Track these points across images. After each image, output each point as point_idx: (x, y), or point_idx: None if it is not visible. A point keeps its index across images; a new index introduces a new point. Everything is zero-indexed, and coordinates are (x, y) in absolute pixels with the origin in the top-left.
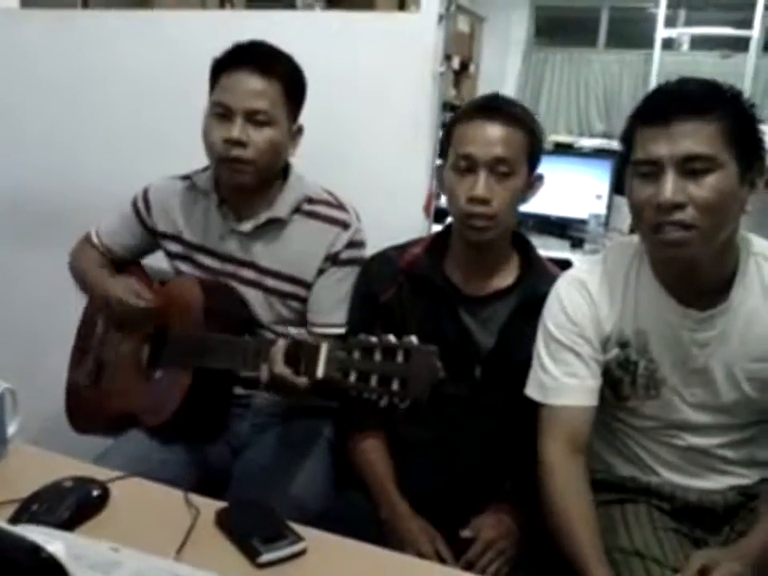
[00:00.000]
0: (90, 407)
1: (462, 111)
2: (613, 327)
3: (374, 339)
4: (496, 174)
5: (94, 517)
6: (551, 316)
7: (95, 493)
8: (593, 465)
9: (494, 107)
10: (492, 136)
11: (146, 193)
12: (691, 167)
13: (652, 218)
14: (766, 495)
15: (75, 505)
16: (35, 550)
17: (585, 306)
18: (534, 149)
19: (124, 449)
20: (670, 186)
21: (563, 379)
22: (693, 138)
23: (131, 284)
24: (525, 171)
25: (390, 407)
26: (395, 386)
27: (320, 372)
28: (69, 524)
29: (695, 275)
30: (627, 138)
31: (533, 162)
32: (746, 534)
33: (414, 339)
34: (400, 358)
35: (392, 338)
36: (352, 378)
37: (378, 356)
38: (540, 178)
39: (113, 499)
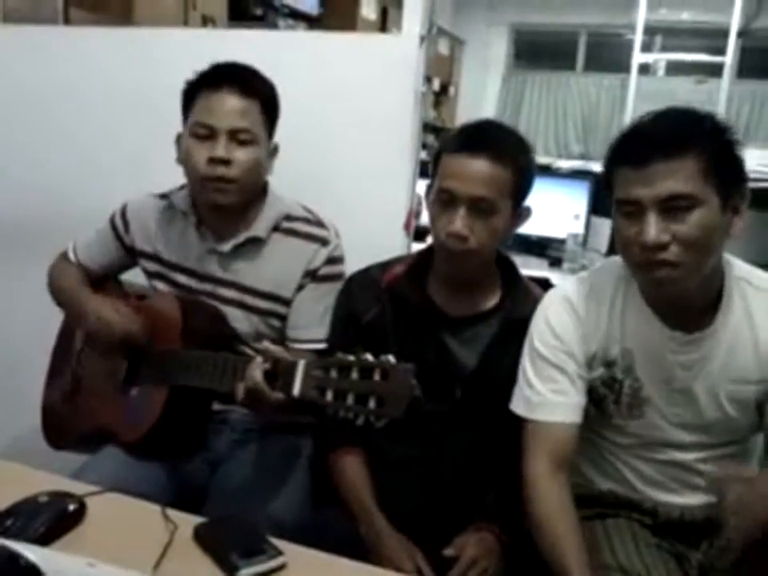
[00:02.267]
0: (66, 423)
1: (451, 138)
2: (599, 346)
3: (351, 358)
4: (476, 210)
5: (70, 532)
6: (538, 333)
7: (71, 507)
8: (573, 479)
9: (481, 142)
10: (474, 174)
11: (124, 210)
12: (672, 205)
13: (638, 257)
14: None
15: (51, 520)
16: (13, 557)
17: (571, 324)
18: (520, 185)
19: (100, 465)
20: (653, 228)
21: (549, 396)
22: (672, 178)
23: (117, 305)
24: (509, 208)
25: (366, 425)
26: (372, 404)
27: (296, 390)
28: (44, 539)
29: (683, 301)
30: (607, 175)
31: (518, 197)
32: (725, 550)
33: (391, 358)
34: (377, 376)
35: (369, 356)
36: (329, 396)
37: (354, 374)
38: (527, 209)
39: (89, 514)
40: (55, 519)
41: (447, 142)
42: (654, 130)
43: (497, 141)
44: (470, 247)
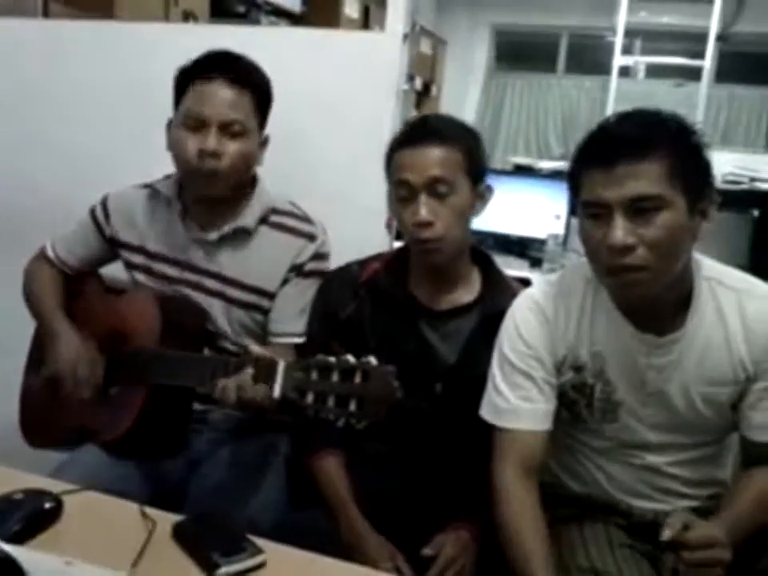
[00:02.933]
0: (44, 422)
1: (394, 140)
2: (568, 350)
3: (332, 359)
4: (436, 195)
5: (47, 530)
6: (506, 338)
7: (47, 505)
8: (548, 479)
9: (422, 130)
10: (424, 159)
11: (104, 201)
12: (639, 207)
13: (605, 260)
14: (740, 479)
15: (26, 518)
16: None
17: (539, 327)
18: (472, 162)
19: (78, 463)
20: (619, 230)
21: (517, 402)
22: (638, 179)
23: (79, 342)
24: (467, 186)
25: (347, 427)
26: (352, 406)
27: (277, 392)
28: (19, 537)
29: (652, 304)
30: (573, 177)
31: (475, 175)
32: None
33: (372, 359)
34: (358, 378)
35: (350, 358)
36: (309, 398)
37: (335, 376)
38: (489, 188)
39: (66, 512)
40: (31, 517)
41: (394, 141)
42: (619, 131)
43: (439, 127)
44: (437, 232)
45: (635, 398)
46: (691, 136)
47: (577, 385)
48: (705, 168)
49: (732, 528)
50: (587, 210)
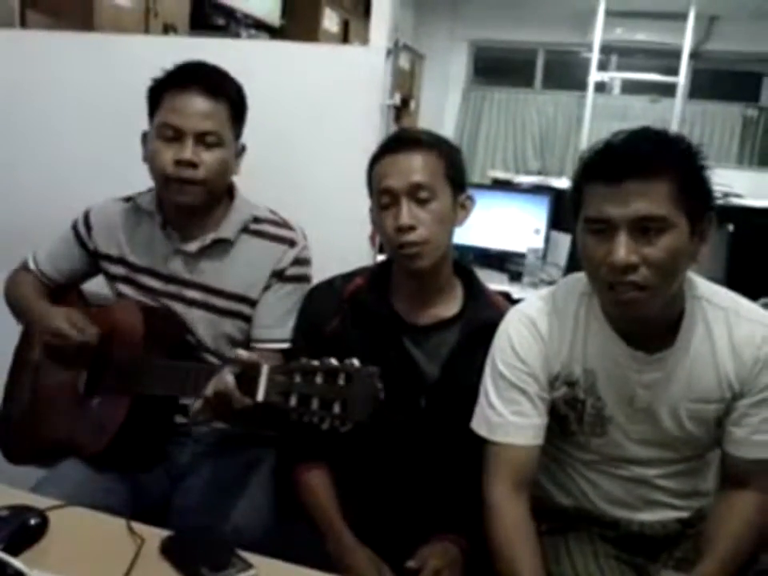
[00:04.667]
0: (24, 436)
1: (375, 152)
2: (561, 366)
3: (315, 362)
4: (417, 200)
5: (32, 547)
6: (500, 353)
7: (33, 521)
8: (535, 493)
9: (403, 139)
10: (405, 165)
11: (86, 215)
12: (644, 227)
13: (606, 277)
14: (720, 508)
15: (11, 534)
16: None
17: (534, 344)
18: (452, 170)
19: (60, 479)
20: (623, 248)
21: (510, 417)
22: (645, 199)
23: (71, 315)
24: (448, 193)
25: (331, 431)
26: (336, 408)
27: (260, 395)
28: (5, 553)
29: (645, 321)
30: (576, 191)
31: (455, 182)
32: (684, 561)
33: (355, 362)
34: (341, 380)
35: (333, 360)
36: (293, 401)
37: (319, 379)
38: (470, 198)
39: (52, 528)
40: (16, 533)
41: (374, 153)
42: (629, 148)
43: (419, 135)
44: (420, 236)
45: (624, 414)
46: (697, 157)
47: (569, 400)
48: (707, 190)
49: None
50: (590, 225)
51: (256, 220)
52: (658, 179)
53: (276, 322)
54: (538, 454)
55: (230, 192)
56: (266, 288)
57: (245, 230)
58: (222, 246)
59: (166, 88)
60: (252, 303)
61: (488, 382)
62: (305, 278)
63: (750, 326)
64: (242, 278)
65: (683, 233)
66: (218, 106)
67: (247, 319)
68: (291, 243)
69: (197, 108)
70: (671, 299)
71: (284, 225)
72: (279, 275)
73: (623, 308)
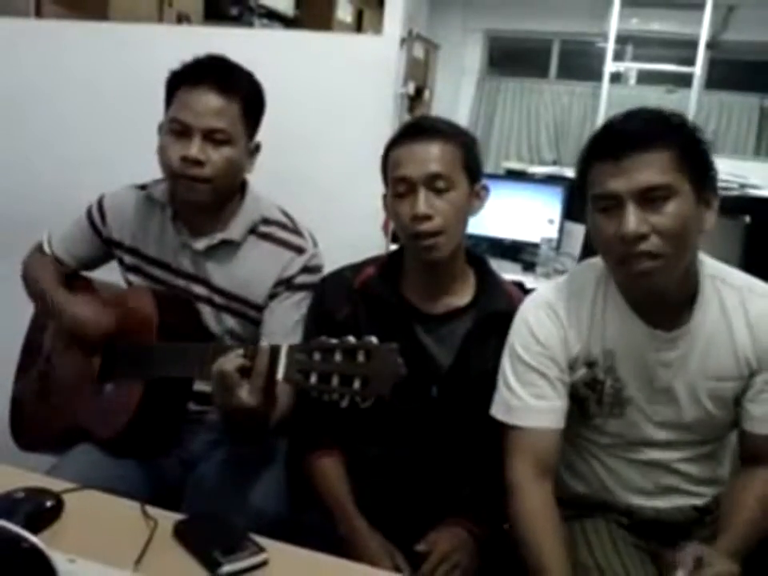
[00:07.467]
0: (36, 422)
1: (392, 139)
2: (581, 348)
3: (334, 341)
4: (434, 190)
5: (48, 528)
6: (519, 338)
7: (48, 504)
8: None
9: (421, 127)
10: (423, 154)
11: (101, 201)
12: (650, 197)
13: (618, 252)
14: (739, 482)
15: (28, 516)
16: (16, 539)
17: (553, 327)
18: (469, 160)
19: (73, 463)
20: (632, 219)
21: (530, 401)
22: (647, 169)
23: (90, 306)
24: (464, 183)
25: (351, 407)
26: (357, 384)
27: (280, 374)
28: None
29: (662, 297)
30: (581, 174)
31: (472, 172)
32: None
33: (374, 339)
34: (361, 357)
35: (352, 338)
36: (313, 379)
37: (338, 357)
38: (485, 188)
39: (67, 511)
40: (32, 515)
41: (390, 141)
42: (627, 125)
43: (437, 124)
44: (436, 225)
45: (643, 395)
46: (693, 129)
47: (588, 382)
48: (707, 157)
49: (740, 548)
50: (598, 203)
51: (265, 222)
52: (657, 149)
53: (287, 332)
54: (559, 440)
55: (242, 190)
56: (273, 296)
57: (253, 231)
58: (228, 247)
59: (180, 82)
60: (256, 307)
61: (507, 367)
62: (315, 287)
63: (765, 303)
64: (246, 282)
65: (688, 198)
66: (230, 103)
67: (252, 321)
68: (299, 250)
69: (207, 105)
70: (685, 274)
71: (294, 230)
72: (287, 283)
73: (639, 280)
